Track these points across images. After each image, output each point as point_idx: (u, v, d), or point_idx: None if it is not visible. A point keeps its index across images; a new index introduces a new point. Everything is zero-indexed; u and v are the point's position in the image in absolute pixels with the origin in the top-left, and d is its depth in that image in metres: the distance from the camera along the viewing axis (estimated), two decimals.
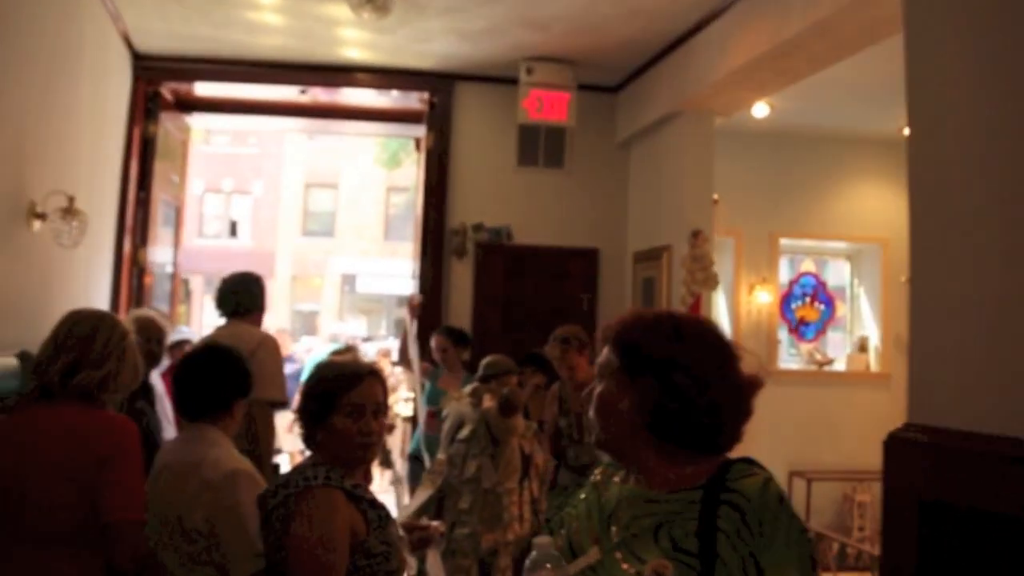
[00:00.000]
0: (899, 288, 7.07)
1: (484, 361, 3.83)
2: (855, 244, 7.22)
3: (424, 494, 3.52)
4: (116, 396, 2.46)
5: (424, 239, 5.72)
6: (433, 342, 5.11)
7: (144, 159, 5.79)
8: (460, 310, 5.62)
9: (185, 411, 2.46)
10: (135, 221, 5.70)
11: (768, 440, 6.11)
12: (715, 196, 5.08)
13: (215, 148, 24.76)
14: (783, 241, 6.98)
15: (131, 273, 5.72)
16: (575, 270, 5.69)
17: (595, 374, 1.48)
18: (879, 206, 7.15)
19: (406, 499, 4.85)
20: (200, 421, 2.42)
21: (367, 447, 2.01)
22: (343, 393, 1.99)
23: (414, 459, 5.06)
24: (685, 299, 4.88)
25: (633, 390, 1.39)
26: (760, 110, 5.81)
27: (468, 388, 3.80)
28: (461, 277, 5.65)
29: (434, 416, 4.83)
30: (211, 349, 2.58)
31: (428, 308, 5.63)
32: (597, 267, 5.73)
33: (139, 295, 5.72)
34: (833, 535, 6.53)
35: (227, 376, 2.45)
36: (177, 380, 2.47)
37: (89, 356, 2.27)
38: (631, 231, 5.73)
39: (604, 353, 1.46)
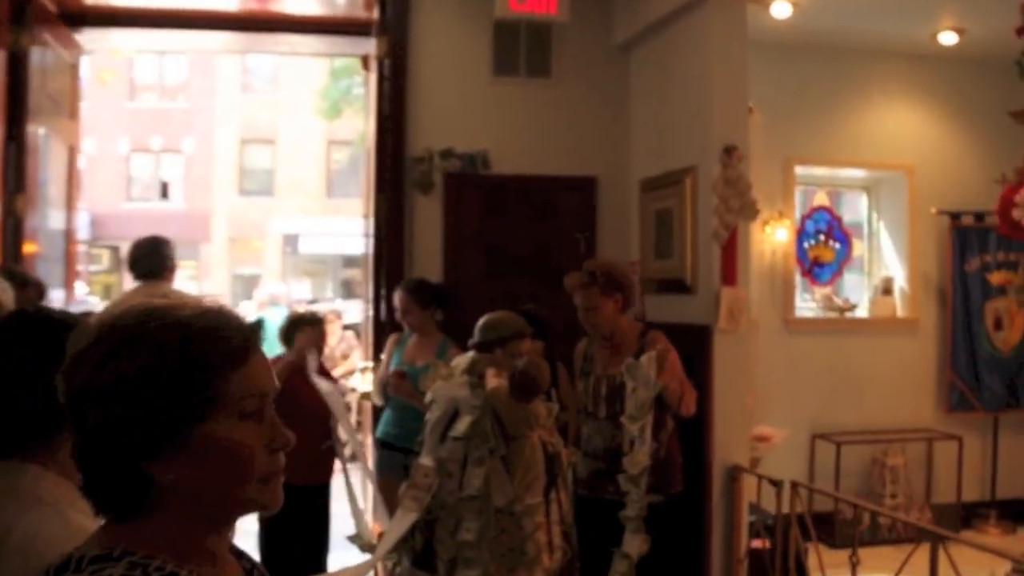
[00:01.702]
0: (927, 221, 6.18)
1: (483, 321, 2.75)
2: (875, 172, 6.28)
3: (404, 520, 2.42)
4: None
5: (380, 172, 4.57)
6: (396, 300, 4.05)
7: (14, 83, 4.52)
8: (428, 257, 4.51)
9: None
10: (4, 163, 4.44)
11: (787, 398, 5.16)
12: (750, 104, 4.03)
13: (141, 103, 23.21)
14: (797, 170, 6.01)
15: (3, 230, 4.47)
16: (568, 204, 4.61)
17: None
18: (904, 129, 6.21)
19: (363, 492, 3.78)
20: (8, 457, 1.31)
21: (273, 480, 0.96)
22: (229, 373, 0.92)
23: (384, 445, 4.00)
24: (718, 233, 3.86)
25: None
26: (781, 9, 4.78)
27: (461, 361, 2.70)
28: (427, 216, 4.52)
29: (404, 376, 3.78)
30: (16, 317, 1.44)
31: (388, 257, 4.52)
32: (595, 199, 4.65)
33: (15, 258, 4.47)
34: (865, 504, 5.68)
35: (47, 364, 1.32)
36: None
37: None
38: (637, 154, 4.66)
39: None
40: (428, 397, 2.69)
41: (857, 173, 6.32)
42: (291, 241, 23.32)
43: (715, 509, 3.83)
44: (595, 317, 3.15)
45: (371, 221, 4.77)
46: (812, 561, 3.59)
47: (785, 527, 3.60)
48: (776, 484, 3.61)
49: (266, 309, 7.27)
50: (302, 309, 4.30)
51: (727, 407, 3.81)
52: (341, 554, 4.56)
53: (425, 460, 2.54)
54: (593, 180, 4.64)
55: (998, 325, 6.12)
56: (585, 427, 3.21)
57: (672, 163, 4.20)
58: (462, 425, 2.47)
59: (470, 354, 2.67)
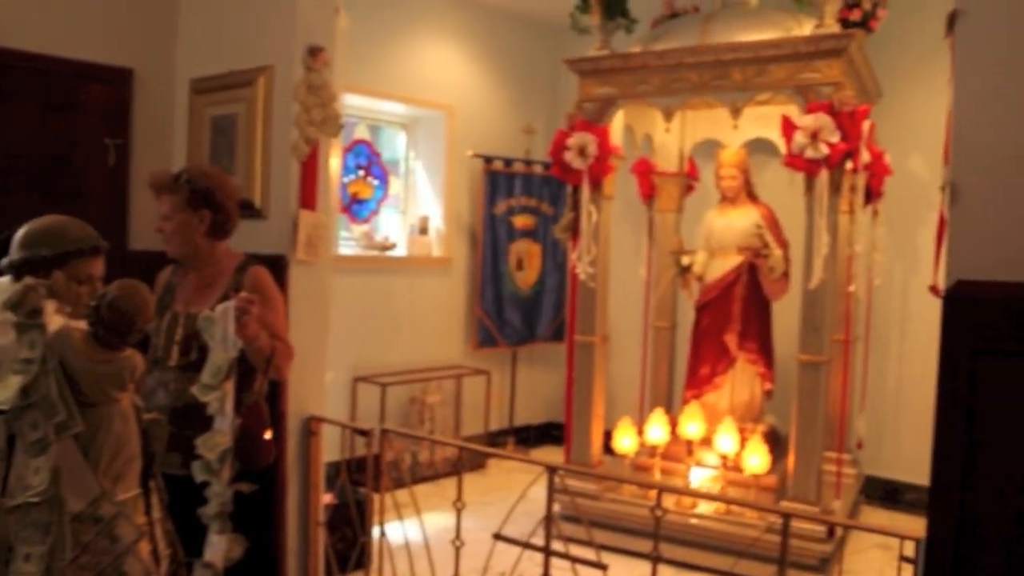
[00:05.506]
0: (462, 163, 6.31)
1: (28, 229, 1.82)
2: (415, 110, 6.19)
3: None
4: None
5: None
6: None
7: None
8: None
9: None
10: None
11: (332, 341, 4.87)
12: (337, 4, 3.48)
13: None
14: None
15: None
16: (95, 100, 3.57)
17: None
18: (447, 70, 6.24)
19: None
20: None
21: None
22: None
23: None
24: (299, 148, 3.28)
25: None
26: None
27: None
28: None
29: None
30: None
31: None
32: (131, 98, 3.68)
33: None
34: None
35: None
36: None
37: None
38: (188, 46, 3.77)
39: None
40: None
41: (398, 108, 6.17)
42: None
43: (290, 469, 3.31)
44: (169, 229, 2.41)
45: None
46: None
47: (375, 478, 3.25)
48: (364, 433, 3.22)
49: None
50: None
51: (303, 350, 3.30)
52: None
53: None
54: (128, 73, 3.66)
55: (520, 265, 6.53)
56: (150, 377, 2.43)
57: (238, 62, 3.47)
58: (6, 391, 1.55)
59: (4, 280, 1.74)
